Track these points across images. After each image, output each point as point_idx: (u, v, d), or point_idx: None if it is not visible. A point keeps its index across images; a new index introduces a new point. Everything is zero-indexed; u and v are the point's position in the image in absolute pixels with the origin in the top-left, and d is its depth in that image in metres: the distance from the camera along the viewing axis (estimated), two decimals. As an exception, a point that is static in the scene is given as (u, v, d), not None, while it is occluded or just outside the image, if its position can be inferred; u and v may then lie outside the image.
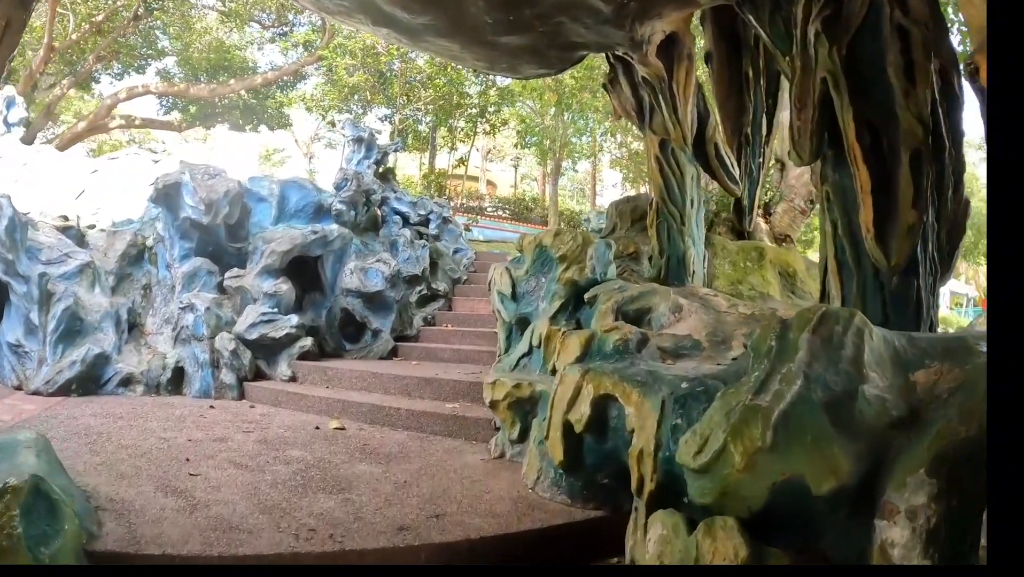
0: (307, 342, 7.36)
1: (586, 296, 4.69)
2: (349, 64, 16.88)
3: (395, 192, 10.04)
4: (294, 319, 7.32)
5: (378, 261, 8.83)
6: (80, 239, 7.59)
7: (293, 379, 7.14)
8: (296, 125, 25.30)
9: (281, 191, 8.80)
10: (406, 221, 10.04)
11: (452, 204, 19.84)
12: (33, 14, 17.30)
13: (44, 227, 7.14)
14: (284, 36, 19.51)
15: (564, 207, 27.67)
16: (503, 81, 19.78)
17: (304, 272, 7.95)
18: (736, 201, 7.09)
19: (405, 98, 17.70)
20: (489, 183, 35.18)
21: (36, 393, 6.42)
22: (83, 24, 16.68)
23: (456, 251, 11.09)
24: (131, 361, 7.02)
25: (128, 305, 7.44)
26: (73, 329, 6.78)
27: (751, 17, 4.65)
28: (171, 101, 20.04)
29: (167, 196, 7.67)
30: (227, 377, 6.94)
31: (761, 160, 6.80)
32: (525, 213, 26.21)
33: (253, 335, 7.13)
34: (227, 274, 7.65)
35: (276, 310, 7.32)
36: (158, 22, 17.98)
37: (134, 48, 18.32)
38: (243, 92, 19.42)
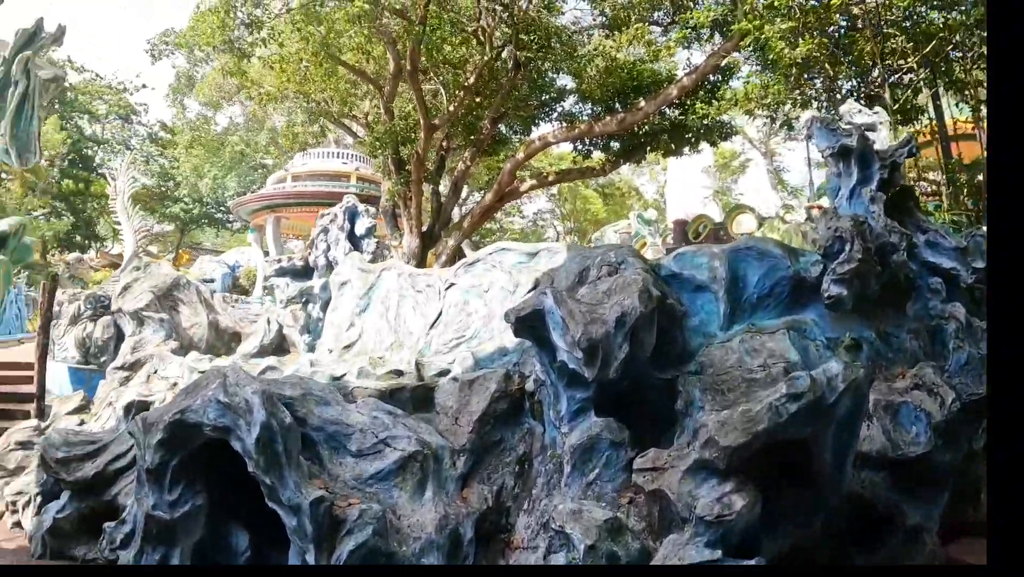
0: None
1: None
2: (782, 30, 11.12)
3: (923, 232, 5.35)
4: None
5: (917, 387, 4.42)
6: (423, 397, 5.13)
7: None
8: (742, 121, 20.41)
9: (730, 269, 5.16)
10: (951, 282, 5.28)
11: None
12: (403, 102, 16.16)
13: (363, 396, 4.81)
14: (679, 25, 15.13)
15: None
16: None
17: (776, 451, 4.05)
18: None
19: (890, 60, 11.57)
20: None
21: None
22: (456, 93, 15.30)
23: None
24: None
25: (483, 507, 4.62)
26: (385, 575, 4.22)
27: None
28: (589, 143, 17.88)
29: (531, 328, 4.70)
30: None
31: None
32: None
33: (685, 605, 3.57)
34: (637, 462, 4.25)
35: (719, 552, 3.59)
36: (544, 63, 15.63)
37: (524, 99, 16.30)
38: (666, 110, 15.89)
